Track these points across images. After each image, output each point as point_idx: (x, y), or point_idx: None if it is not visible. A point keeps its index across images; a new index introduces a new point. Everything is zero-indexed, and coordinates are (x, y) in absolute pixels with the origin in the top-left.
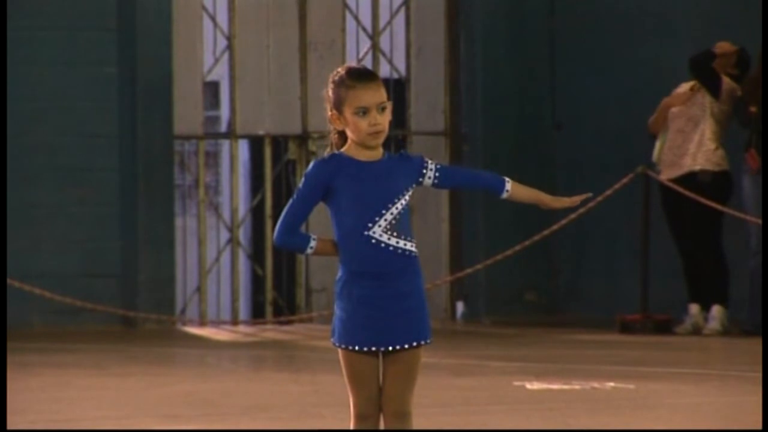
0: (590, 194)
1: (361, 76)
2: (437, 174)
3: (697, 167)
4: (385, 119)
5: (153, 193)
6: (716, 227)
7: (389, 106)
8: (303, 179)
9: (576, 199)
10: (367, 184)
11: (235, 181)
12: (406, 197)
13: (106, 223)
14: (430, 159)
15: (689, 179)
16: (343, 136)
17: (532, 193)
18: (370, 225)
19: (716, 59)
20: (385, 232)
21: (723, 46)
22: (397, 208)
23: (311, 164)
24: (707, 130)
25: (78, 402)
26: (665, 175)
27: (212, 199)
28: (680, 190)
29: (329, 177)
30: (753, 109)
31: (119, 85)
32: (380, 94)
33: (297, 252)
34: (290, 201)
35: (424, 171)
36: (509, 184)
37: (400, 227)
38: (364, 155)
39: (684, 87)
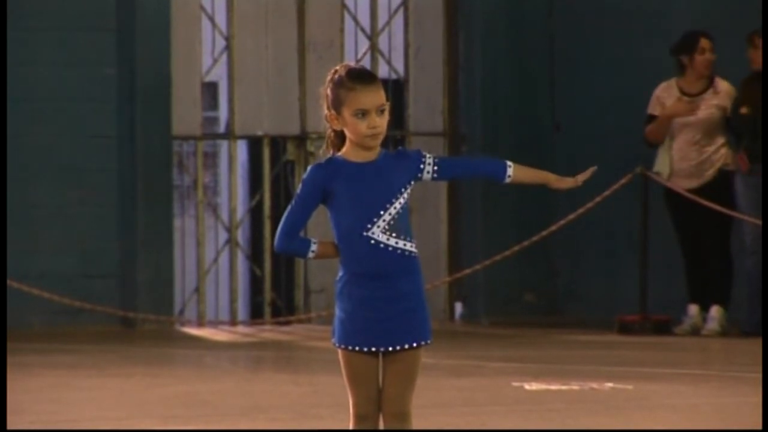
0: (595, 168)
1: (361, 77)
2: (436, 167)
3: (718, 170)
4: (384, 121)
5: (152, 194)
6: (727, 229)
7: (388, 107)
8: (301, 185)
9: (580, 178)
10: (365, 184)
11: (234, 182)
12: (405, 195)
13: (104, 224)
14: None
15: (708, 187)
16: (340, 135)
17: (535, 174)
18: (369, 225)
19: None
20: (384, 233)
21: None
22: (395, 208)
23: (308, 169)
24: (720, 138)
25: (77, 402)
26: (683, 185)
27: (211, 200)
28: (699, 200)
29: (326, 181)
30: (743, 110)
31: (118, 85)
32: (380, 97)
33: (298, 257)
34: (289, 207)
35: (422, 165)
36: (510, 169)
37: (399, 227)
38: (361, 156)
39: (666, 91)
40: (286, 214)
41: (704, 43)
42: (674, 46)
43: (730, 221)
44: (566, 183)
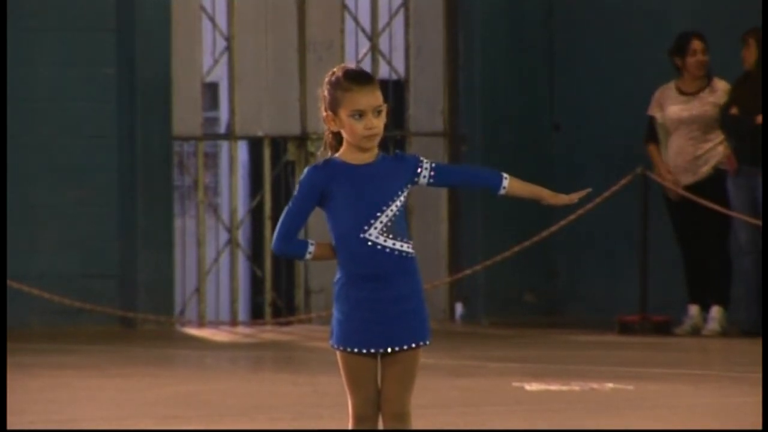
0: (590, 190)
1: (357, 78)
2: (432, 173)
3: (713, 167)
4: (380, 122)
5: (152, 194)
6: (726, 228)
7: (385, 108)
8: (298, 186)
9: (574, 196)
10: (362, 186)
11: (234, 182)
12: (402, 198)
13: (104, 224)
14: (426, 158)
15: (703, 184)
16: (337, 137)
17: (531, 189)
18: (366, 227)
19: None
20: (381, 234)
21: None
22: (392, 210)
23: (305, 171)
24: (716, 135)
25: (77, 403)
26: (678, 181)
27: (211, 200)
28: (696, 198)
29: (323, 183)
30: (733, 110)
31: (118, 85)
32: (376, 97)
33: (296, 258)
34: (286, 208)
35: (419, 170)
36: (506, 181)
37: (396, 229)
38: (358, 158)
39: (665, 93)
40: (283, 215)
41: (696, 44)
42: (670, 48)
43: (728, 220)
44: (561, 200)
